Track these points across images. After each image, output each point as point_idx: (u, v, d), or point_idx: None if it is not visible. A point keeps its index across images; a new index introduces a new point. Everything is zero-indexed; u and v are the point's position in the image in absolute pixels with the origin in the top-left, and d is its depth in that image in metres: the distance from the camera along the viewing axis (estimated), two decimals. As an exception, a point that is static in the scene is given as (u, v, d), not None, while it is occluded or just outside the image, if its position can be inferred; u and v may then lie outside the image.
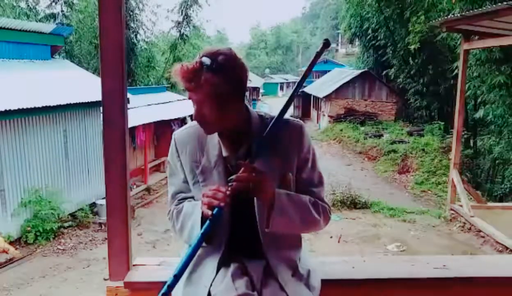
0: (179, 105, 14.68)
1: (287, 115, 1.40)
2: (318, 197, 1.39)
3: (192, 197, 1.42)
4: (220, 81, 1.21)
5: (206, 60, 1.21)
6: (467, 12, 8.17)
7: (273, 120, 1.30)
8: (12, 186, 7.77)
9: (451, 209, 8.77)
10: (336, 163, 15.70)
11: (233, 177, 1.23)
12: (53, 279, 6.61)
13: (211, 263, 1.35)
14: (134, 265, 1.72)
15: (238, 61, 1.26)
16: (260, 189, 1.23)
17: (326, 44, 1.31)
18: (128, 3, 17.94)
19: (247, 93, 28.11)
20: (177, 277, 1.19)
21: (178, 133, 1.45)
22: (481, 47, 9.54)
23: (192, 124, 1.42)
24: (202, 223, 1.27)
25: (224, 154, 1.34)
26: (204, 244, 1.27)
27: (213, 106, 1.24)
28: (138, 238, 8.30)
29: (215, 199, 1.20)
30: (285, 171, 1.35)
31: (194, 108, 1.27)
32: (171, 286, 1.18)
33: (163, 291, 1.17)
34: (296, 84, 1.38)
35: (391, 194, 12.04)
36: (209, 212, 1.21)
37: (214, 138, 1.36)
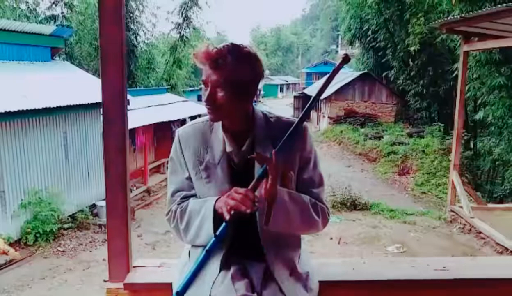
0: (179, 107, 14.72)
1: (287, 116, 1.44)
2: (318, 198, 1.39)
3: (194, 195, 1.41)
4: (240, 69, 1.24)
5: (233, 47, 1.26)
6: (467, 14, 8.17)
7: (291, 128, 1.30)
8: (12, 187, 7.77)
9: (451, 211, 8.76)
10: (336, 164, 15.70)
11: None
12: (53, 280, 6.60)
13: (215, 262, 1.34)
14: (134, 267, 1.72)
15: (259, 61, 1.29)
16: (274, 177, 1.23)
17: (345, 59, 1.30)
18: (128, 5, 17.96)
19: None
20: (195, 273, 1.21)
21: (182, 130, 1.45)
22: (481, 49, 9.54)
23: (195, 121, 1.44)
24: (215, 222, 1.27)
25: (228, 149, 1.35)
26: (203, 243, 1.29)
27: (227, 91, 1.26)
28: (138, 240, 8.30)
29: (243, 205, 1.20)
30: (286, 170, 1.35)
31: (207, 91, 1.28)
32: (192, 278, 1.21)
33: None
34: (311, 99, 1.37)
35: (391, 196, 12.04)
36: (227, 216, 1.21)
37: (218, 135, 1.37)
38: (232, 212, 1.21)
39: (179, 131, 1.45)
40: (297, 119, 1.33)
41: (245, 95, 1.29)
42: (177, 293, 1.17)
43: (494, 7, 7.48)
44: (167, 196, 1.48)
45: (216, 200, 1.30)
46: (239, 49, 1.26)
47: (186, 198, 1.41)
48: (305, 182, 1.39)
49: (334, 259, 1.85)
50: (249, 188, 1.23)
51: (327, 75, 1.35)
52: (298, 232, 1.43)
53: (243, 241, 1.37)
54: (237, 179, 1.30)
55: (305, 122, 1.41)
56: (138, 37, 19.24)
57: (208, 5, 21.33)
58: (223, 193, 1.29)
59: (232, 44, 1.27)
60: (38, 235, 7.81)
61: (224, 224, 1.23)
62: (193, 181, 1.40)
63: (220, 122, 1.36)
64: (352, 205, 9.84)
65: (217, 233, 1.22)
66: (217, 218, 1.27)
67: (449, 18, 9.00)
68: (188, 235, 1.38)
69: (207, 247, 1.22)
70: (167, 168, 12.93)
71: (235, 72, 1.24)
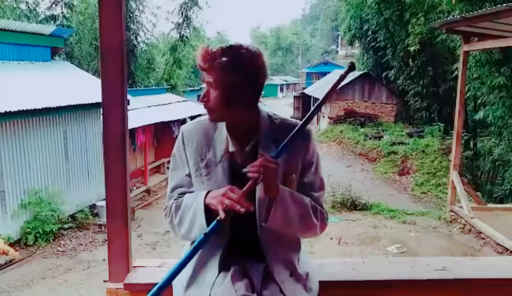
0: (179, 107, 14.71)
1: (292, 118, 1.44)
2: (318, 202, 1.39)
3: (193, 192, 1.41)
4: (232, 72, 1.23)
5: (228, 49, 1.25)
6: (467, 14, 8.17)
7: (294, 130, 1.28)
8: (12, 187, 7.77)
9: (451, 211, 8.76)
10: (336, 164, 15.70)
11: (250, 168, 1.20)
12: (52, 280, 6.60)
13: (213, 263, 1.35)
14: (134, 267, 1.72)
15: (258, 62, 1.28)
16: (271, 179, 1.23)
17: (351, 67, 1.30)
18: (128, 5, 17.95)
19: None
20: (177, 271, 1.19)
21: (186, 127, 1.45)
22: (481, 49, 9.54)
23: (200, 119, 1.44)
24: (207, 218, 1.26)
25: (231, 149, 1.35)
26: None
27: (219, 94, 1.26)
28: (138, 240, 8.30)
29: (238, 204, 1.19)
30: (289, 172, 1.35)
31: (203, 90, 1.30)
32: (174, 275, 1.18)
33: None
34: (316, 104, 1.36)
35: (391, 196, 12.03)
36: (223, 215, 1.20)
37: (222, 134, 1.37)
38: (226, 211, 1.20)
39: (183, 128, 1.45)
40: (300, 123, 1.32)
41: (241, 98, 1.27)
42: (159, 288, 1.16)
43: (494, 7, 7.48)
44: (167, 191, 1.48)
45: (206, 195, 1.29)
46: (236, 50, 1.25)
47: (184, 194, 1.41)
48: (306, 185, 1.39)
49: (334, 259, 1.85)
50: (244, 190, 1.21)
51: (332, 84, 1.33)
52: (296, 233, 1.42)
53: (243, 241, 1.37)
54: (237, 179, 1.29)
55: (308, 126, 1.41)
56: (138, 37, 19.24)
57: (208, 5, 21.25)
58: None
59: (230, 45, 1.27)
60: (38, 235, 7.81)
61: (215, 222, 1.21)
62: (193, 178, 1.40)
63: (224, 122, 1.36)
64: (352, 205, 9.83)
65: (207, 231, 1.21)
66: (209, 213, 1.26)
67: (449, 18, 9.00)
68: (182, 230, 1.37)
69: (194, 244, 1.21)
70: (167, 168, 12.95)
71: (225, 75, 1.23)
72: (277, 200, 1.26)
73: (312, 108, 1.33)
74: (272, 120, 1.38)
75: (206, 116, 1.37)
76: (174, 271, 1.18)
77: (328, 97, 1.37)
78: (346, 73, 1.29)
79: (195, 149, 1.39)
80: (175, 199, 1.41)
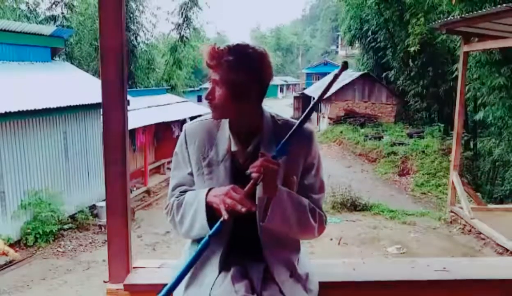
0: (179, 107, 14.71)
1: (295, 119, 1.43)
2: (317, 204, 1.39)
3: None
4: (238, 70, 1.24)
5: (235, 47, 1.25)
6: (467, 14, 8.17)
7: (292, 129, 1.27)
8: (12, 188, 7.77)
9: (451, 211, 8.76)
10: (336, 165, 15.69)
11: (251, 169, 1.20)
12: (52, 281, 6.60)
13: (213, 263, 1.35)
14: (134, 268, 1.72)
15: (265, 63, 1.28)
16: (271, 179, 1.23)
17: (344, 66, 1.31)
18: (128, 5, 17.97)
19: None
20: (185, 273, 1.20)
21: (189, 125, 1.45)
22: (481, 49, 9.54)
23: (203, 118, 1.44)
24: (208, 216, 1.26)
25: (233, 148, 1.35)
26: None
27: (224, 92, 1.26)
28: (138, 240, 8.29)
29: (240, 204, 1.19)
30: (290, 173, 1.35)
31: (209, 88, 1.30)
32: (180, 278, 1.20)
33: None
34: (310, 105, 1.34)
35: (391, 196, 12.03)
36: (226, 216, 1.19)
37: (225, 133, 1.37)
38: (229, 211, 1.20)
39: (185, 126, 1.45)
40: (297, 122, 1.31)
41: (244, 95, 1.28)
42: (168, 290, 1.17)
43: (494, 8, 7.47)
44: (168, 190, 1.47)
45: (207, 193, 1.29)
46: (242, 49, 1.26)
47: (185, 192, 1.41)
48: (306, 187, 1.39)
49: (334, 260, 1.85)
50: (246, 190, 1.21)
51: (327, 83, 1.33)
52: (293, 234, 1.41)
53: (244, 241, 1.37)
54: (239, 179, 1.29)
55: (311, 128, 1.41)
56: (138, 38, 19.29)
57: (208, 5, 21.28)
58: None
59: (237, 44, 1.27)
60: (38, 235, 7.81)
61: (219, 223, 1.21)
62: (194, 177, 1.40)
63: (227, 121, 1.36)
64: (352, 206, 9.83)
65: (211, 233, 1.21)
66: (210, 210, 1.26)
67: (449, 18, 9.00)
68: (183, 227, 1.37)
69: (199, 246, 1.21)
70: (167, 168, 12.93)
71: (232, 73, 1.24)
72: (274, 200, 1.26)
73: (308, 108, 1.32)
74: (275, 121, 1.39)
75: (209, 116, 1.37)
76: (182, 273, 1.20)
77: (322, 96, 1.36)
78: (340, 72, 1.29)
79: (197, 148, 1.39)
80: (176, 197, 1.41)
